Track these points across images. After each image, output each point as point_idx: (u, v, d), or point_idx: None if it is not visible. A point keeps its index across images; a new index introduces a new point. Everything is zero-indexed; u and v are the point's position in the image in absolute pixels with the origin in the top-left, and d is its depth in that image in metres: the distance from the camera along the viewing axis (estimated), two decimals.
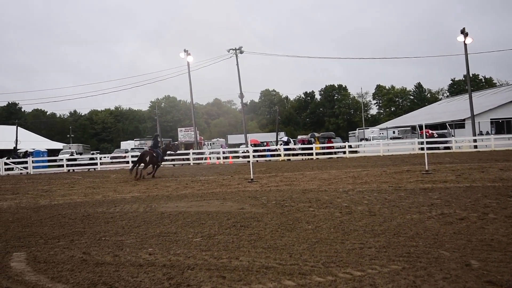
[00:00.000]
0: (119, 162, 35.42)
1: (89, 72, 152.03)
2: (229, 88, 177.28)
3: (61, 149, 57.04)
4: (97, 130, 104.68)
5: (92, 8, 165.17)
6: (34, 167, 33.69)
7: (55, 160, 38.15)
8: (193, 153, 35.63)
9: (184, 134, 56.34)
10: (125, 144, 59.26)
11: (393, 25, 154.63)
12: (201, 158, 36.16)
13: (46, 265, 5.01)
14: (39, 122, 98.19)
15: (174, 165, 33.99)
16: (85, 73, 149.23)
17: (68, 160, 35.54)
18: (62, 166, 34.52)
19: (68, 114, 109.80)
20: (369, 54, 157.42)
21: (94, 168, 33.92)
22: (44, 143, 72.10)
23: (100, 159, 35.49)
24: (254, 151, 35.07)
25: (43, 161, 38.06)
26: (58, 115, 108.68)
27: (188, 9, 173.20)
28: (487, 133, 38.78)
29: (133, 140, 61.60)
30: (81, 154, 47.74)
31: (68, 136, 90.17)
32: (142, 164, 18.92)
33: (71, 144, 64.75)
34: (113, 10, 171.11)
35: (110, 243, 6.06)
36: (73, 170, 33.83)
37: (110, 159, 37.26)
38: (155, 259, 5.08)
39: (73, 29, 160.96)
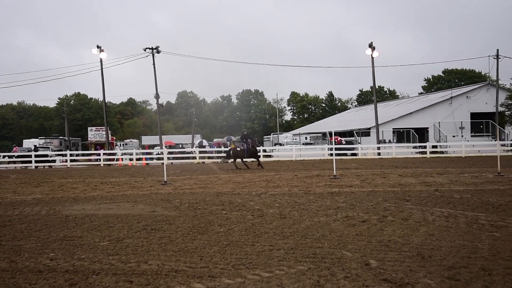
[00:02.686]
0: (21, 162, 32.91)
1: None
2: (145, 88, 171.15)
3: None
4: None
5: None
6: None
7: None
8: (104, 154, 34.23)
9: (95, 134, 53.70)
10: (28, 143, 54.98)
11: (304, 35, 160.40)
12: (113, 159, 34.84)
13: None
14: None
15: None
16: None
17: None
18: None
19: None
20: (283, 61, 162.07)
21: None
22: None
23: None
24: (169, 153, 34.47)
25: None
26: None
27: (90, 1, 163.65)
28: (389, 142, 41.78)
29: (37, 138, 57.38)
30: None
31: None
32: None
33: None
34: None
35: (7, 248, 5.61)
36: None
37: (9, 158, 34.45)
38: (57, 264, 4.79)
39: None
